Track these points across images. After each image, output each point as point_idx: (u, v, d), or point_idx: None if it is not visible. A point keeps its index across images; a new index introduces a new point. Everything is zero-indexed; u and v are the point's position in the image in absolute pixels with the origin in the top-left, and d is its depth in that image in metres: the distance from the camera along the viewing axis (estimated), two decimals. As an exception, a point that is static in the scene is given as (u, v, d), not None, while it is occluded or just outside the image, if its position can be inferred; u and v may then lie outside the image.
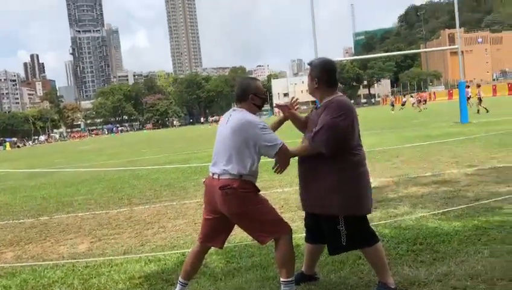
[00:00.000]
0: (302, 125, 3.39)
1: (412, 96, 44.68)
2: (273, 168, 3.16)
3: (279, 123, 3.47)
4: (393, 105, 45.68)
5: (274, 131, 3.18)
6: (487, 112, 22.76)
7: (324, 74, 3.14)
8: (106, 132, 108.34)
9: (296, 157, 3.24)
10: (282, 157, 3.06)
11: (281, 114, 3.47)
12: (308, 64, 3.24)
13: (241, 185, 2.96)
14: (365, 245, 3.11)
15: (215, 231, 3.19)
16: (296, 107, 3.46)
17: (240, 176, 2.97)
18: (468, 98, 29.75)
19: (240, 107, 3.16)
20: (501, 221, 4.47)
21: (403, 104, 45.67)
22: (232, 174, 2.96)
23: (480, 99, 24.36)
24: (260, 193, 3.13)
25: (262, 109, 3.39)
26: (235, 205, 2.96)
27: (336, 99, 3.08)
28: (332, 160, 2.99)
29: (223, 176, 2.99)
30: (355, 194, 3.03)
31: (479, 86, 29.54)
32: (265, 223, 3.03)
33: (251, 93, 3.16)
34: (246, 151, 2.98)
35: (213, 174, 3.07)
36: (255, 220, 3.03)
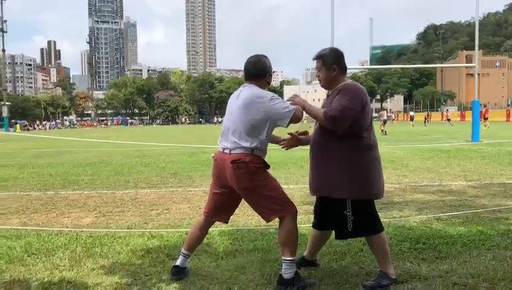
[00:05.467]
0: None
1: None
2: (280, 143, 3.35)
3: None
4: (412, 120, 45.68)
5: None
6: (384, 134, 25.24)
7: (339, 59, 3.15)
8: (120, 123, 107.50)
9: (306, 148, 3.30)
10: (295, 121, 3.06)
11: None
12: (316, 58, 3.17)
13: (252, 160, 2.99)
14: (371, 233, 3.10)
15: (222, 206, 3.22)
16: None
17: (251, 150, 3.00)
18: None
19: (250, 84, 3.17)
20: (506, 229, 4.45)
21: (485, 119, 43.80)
22: (245, 147, 2.99)
23: (384, 122, 28.25)
24: (269, 169, 3.15)
25: None
26: (246, 179, 2.99)
27: (349, 83, 3.11)
28: (343, 140, 3.00)
29: (235, 151, 3.01)
30: (365, 176, 3.04)
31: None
32: (273, 200, 3.05)
33: (268, 72, 3.20)
34: (257, 126, 3.01)
35: (224, 148, 3.09)
36: (263, 196, 3.04)
